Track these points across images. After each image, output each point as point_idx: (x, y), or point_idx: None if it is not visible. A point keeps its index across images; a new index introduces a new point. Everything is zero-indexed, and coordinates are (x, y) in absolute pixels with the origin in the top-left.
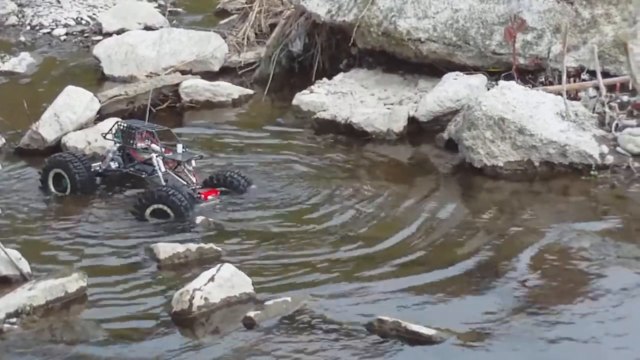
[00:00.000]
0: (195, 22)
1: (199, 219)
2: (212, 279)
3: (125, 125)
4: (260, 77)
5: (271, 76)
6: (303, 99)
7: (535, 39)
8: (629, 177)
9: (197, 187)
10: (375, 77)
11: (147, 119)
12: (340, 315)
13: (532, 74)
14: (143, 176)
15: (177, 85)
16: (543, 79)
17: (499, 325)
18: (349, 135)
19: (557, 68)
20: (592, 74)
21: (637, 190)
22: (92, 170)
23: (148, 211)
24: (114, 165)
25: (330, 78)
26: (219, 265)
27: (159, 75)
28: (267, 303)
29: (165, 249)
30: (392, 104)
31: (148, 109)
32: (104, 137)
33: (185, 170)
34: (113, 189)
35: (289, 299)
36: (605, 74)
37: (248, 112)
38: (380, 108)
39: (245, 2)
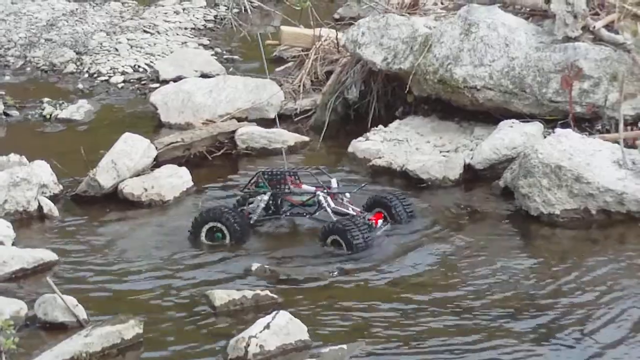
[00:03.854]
0: (251, 69)
1: (255, 266)
2: (267, 326)
3: (270, 172)
4: (316, 124)
5: (327, 123)
6: (359, 146)
7: (592, 87)
8: None
9: (364, 214)
10: (431, 124)
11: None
12: None
13: (588, 122)
14: (306, 217)
15: (233, 132)
16: (600, 127)
17: None
18: (405, 182)
19: (614, 116)
20: None
21: None
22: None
23: (329, 241)
24: (263, 214)
25: (386, 125)
26: (274, 312)
27: (215, 122)
28: (322, 351)
29: (221, 295)
30: (447, 152)
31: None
32: (245, 191)
33: (345, 202)
34: (170, 239)
35: (344, 346)
36: None
37: (304, 159)
38: (436, 155)
39: (301, 50)
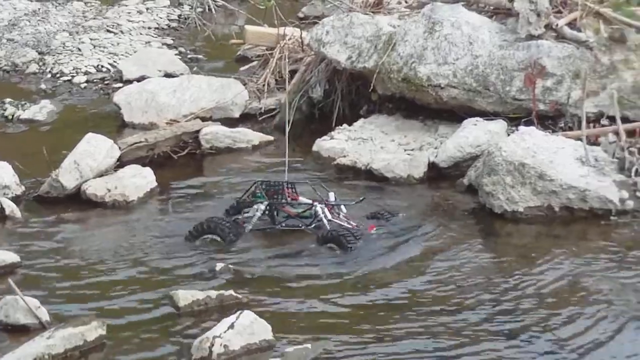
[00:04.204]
0: (215, 69)
1: (219, 266)
2: (231, 326)
3: (267, 183)
4: (281, 123)
5: (291, 122)
6: (323, 145)
7: (554, 84)
8: None
9: (359, 226)
10: (395, 123)
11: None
12: None
13: (552, 120)
14: (302, 228)
15: (197, 132)
16: (563, 125)
17: None
18: (370, 180)
19: (577, 113)
20: (612, 119)
21: None
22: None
23: (326, 245)
24: (258, 224)
25: (350, 124)
26: (238, 312)
27: (179, 122)
28: (287, 350)
29: (185, 296)
30: (412, 150)
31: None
32: (241, 201)
33: (342, 216)
34: (134, 240)
35: (309, 345)
36: (625, 119)
37: (268, 158)
38: (400, 154)
39: (266, 49)
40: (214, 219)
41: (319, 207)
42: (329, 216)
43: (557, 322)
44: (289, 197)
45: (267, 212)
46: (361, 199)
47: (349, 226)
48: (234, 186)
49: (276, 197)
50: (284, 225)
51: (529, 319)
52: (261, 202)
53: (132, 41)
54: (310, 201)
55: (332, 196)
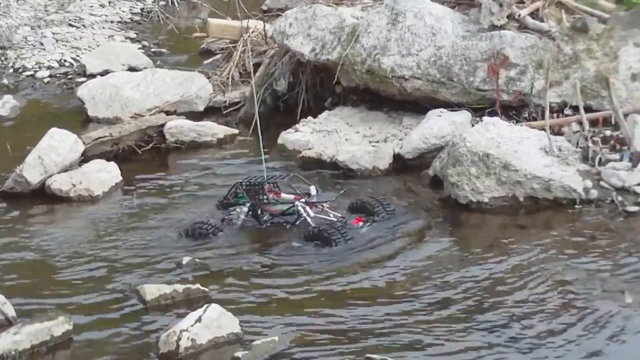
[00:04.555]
0: (179, 62)
1: (186, 259)
2: (199, 319)
3: (247, 183)
4: (245, 116)
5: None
6: (288, 137)
7: (518, 75)
8: (613, 211)
9: (344, 219)
10: (359, 114)
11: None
12: (328, 353)
13: (515, 110)
14: (287, 226)
15: (162, 125)
16: (526, 115)
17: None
18: (335, 172)
19: (540, 103)
20: (575, 109)
21: (621, 224)
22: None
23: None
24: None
25: (315, 116)
26: (205, 305)
27: (143, 116)
28: (254, 343)
29: (152, 290)
30: (377, 142)
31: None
32: (223, 203)
33: (326, 209)
34: (99, 235)
35: (276, 338)
36: (588, 109)
37: (233, 151)
38: (365, 146)
39: (229, 42)
40: (200, 223)
41: (300, 207)
42: (312, 213)
43: (523, 311)
44: (271, 193)
45: (250, 213)
46: (341, 192)
47: (334, 219)
48: (200, 180)
49: (258, 197)
50: (269, 224)
51: (495, 309)
52: (243, 204)
53: (95, 35)
54: (292, 197)
55: (313, 190)
